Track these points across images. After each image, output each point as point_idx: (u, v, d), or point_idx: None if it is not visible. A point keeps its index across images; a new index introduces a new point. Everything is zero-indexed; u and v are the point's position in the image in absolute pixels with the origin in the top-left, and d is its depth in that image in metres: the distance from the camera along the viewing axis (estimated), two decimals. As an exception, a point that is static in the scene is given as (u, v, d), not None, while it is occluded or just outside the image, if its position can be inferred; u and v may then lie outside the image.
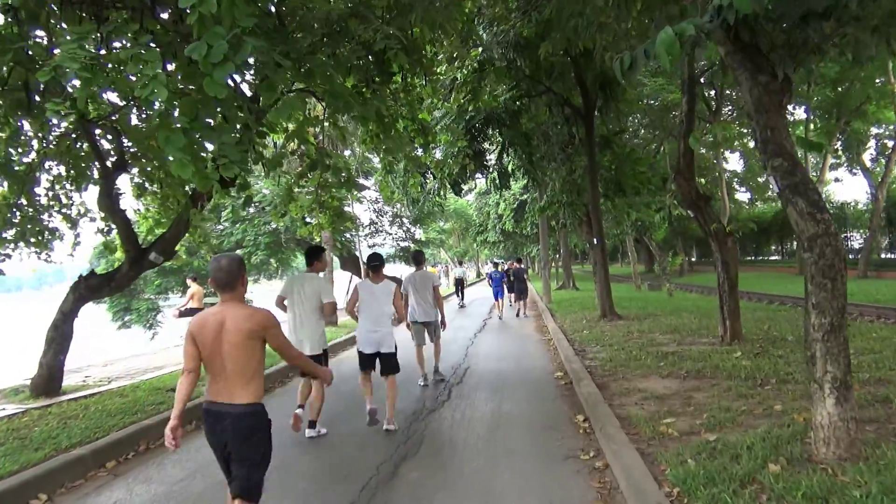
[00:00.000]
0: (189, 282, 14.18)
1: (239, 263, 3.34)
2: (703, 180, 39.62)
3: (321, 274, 6.47)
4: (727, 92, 22.68)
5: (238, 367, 3.16)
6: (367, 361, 6.34)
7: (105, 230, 8.91)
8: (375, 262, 6.49)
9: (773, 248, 51.87)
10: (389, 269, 32.60)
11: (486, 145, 12.29)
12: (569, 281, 30.06)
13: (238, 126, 5.81)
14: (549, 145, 16.37)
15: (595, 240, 14.47)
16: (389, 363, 6.29)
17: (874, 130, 35.07)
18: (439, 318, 8.61)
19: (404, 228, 31.06)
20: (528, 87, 12.90)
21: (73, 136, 7.54)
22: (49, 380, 7.81)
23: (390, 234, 30.78)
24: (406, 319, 8.30)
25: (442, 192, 14.31)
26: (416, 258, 8.73)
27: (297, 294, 6.03)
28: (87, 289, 7.68)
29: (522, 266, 20.30)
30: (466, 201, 51.87)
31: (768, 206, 50.35)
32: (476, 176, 14.28)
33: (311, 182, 9.21)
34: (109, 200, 7.43)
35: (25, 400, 7.76)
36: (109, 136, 7.82)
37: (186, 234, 10.55)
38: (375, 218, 30.38)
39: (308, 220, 10.52)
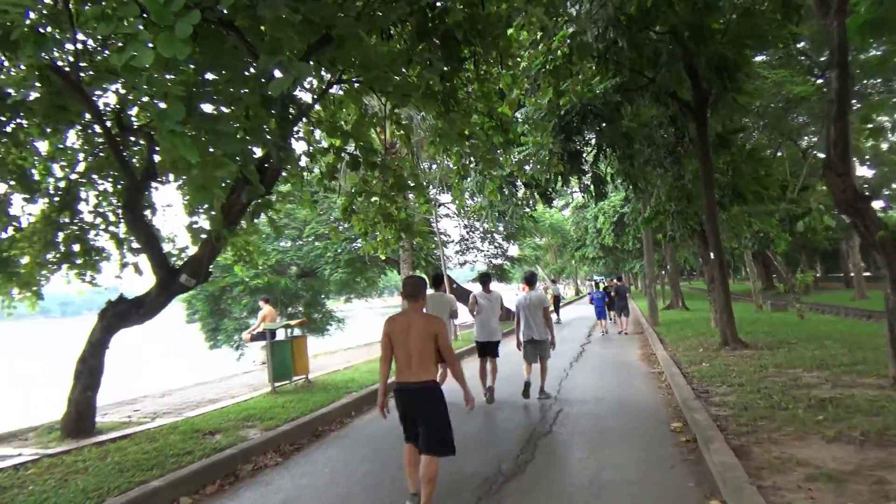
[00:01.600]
0: (261, 303, 13.38)
1: (423, 282, 4.85)
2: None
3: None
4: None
5: (421, 356, 4.46)
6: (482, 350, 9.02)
7: (134, 249, 8.07)
8: (487, 279, 9.38)
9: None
10: (476, 287, 31.21)
11: (581, 146, 10.60)
12: (677, 300, 27.35)
13: (255, 117, 4.59)
14: (653, 148, 14.41)
15: (711, 254, 12.35)
16: (495, 350, 8.91)
17: None
18: (549, 339, 8.88)
19: (496, 245, 29.56)
20: (629, 78, 11.10)
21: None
22: (78, 419, 6.92)
23: (482, 250, 29.37)
24: (518, 338, 9.00)
25: (531, 202, 12.74)
26: (529, 280, 9.12)
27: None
28: (115, 316, 6.74)
29: (623, 284, 20.89)
30: (563, 216, 49.78)
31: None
32: (570, 184, 12.55)
33: (374, 189, 7.95)
34: (133, 215, 6.48)
35: (52, 441, 6.91)
36: (143, 142, 6.91)
37: (231, 252, 9.67)
38: (466, 234, 29.11)
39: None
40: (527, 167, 9.17)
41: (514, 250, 33.16)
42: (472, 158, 8.13)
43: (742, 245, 20.07)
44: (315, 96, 6.70)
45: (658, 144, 14.58)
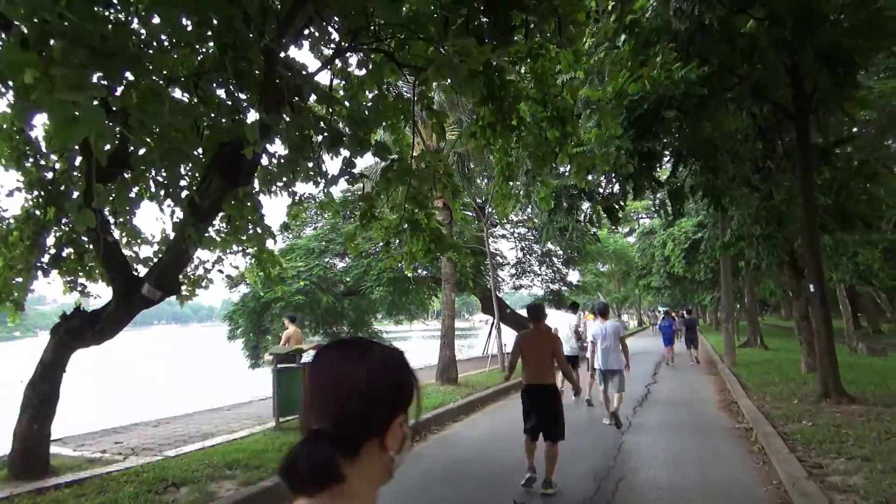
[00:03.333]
0: (286, 322, 12.10)
1: (544, 307, 6.40)
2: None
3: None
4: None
5: (544, 364, 5.95)
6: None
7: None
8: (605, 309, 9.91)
9: None
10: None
11: (655, 147, 8.80)
12: (755, 337, 24.65)
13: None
14: (737, 164, 12.46)
15: (812, 286, 10.29)
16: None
17: None
18: (624, 368, 9.18)
19: (554, 269, 27.70)
20: (716, 74, 9.28)
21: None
22: (25, 456, 5.66)
23: (539, 274, 27.56)
24: (592, 367, 9.78)
25: (595, 219, 11.03)
26: (602, 310, 9.85)
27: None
28: (68, 333, 5.48)
29: (693, 317, 22.45)
30: (627, 242, 47.34)
31: None
32: (641, 194, 10.77)
33: (397, 187, 6.49)
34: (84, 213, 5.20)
35: (-6, 483, 5.68)
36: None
37: (255, 262, 8.39)
38: (522, 256, 27.38)
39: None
40: (589, 174, 7.46)
41: (574, 276, 31.24)
42: (519, 157, 6.56)
43: (837, 279, 17.60)
44: (323, 64, 5.33)
45: (743, 159, 12.62)
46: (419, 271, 22.14)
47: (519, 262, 27.30)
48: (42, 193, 7.00)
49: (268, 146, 7.73)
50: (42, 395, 5.56)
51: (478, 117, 6.58)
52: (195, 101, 6.23)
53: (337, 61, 5.84)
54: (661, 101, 7.57)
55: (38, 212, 7.11)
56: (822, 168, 10.79)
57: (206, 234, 6.56)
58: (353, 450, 0.96)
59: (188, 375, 29.34)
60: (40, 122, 7.68)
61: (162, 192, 5.75)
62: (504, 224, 25.35)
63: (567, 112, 6.51)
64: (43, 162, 7.03)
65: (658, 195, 12.74)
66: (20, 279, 6.99)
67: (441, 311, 13.87)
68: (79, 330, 5.42)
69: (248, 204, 6.52)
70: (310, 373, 1.03)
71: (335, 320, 24.22)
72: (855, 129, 16.25)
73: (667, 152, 9.69)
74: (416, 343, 47.07)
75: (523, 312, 31.65)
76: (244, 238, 7.04)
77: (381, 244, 7.82)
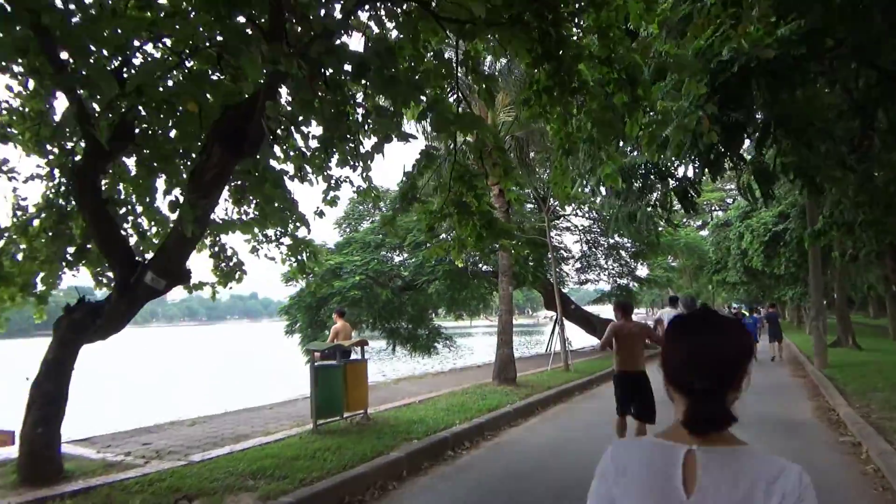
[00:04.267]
0: (335, 317, 11.50)
1: (632, 304, 8.02)
2: None
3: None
4: None
5: (635, 353, 6.60)
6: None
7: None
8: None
9: None
10: (600, 309, 27.78)
11: (743, 118, 7.58)
12: (846, 337, 22.55)
13: None
14: (830, 143, 10.99)
15: (928, 279, 8.86)
16: None
17: None
18: None
19: (622, 262, 26.28)
20: (813, 39, 7.94)
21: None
22: (32, 461, 5.18)
23: (605, 268, 26.22)
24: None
25: (668, 205, 9.88)
26: (689, 305, 10.71)
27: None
28: (70, 327, 4.93)
29: (775, 311, 22.59)
30: (700, 236, 45.00)
31: None
32: (722, 174, 9.52)
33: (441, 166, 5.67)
34: (81, 186, 4.63)
35: (3, 486, 5.23)
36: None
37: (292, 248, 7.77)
38: (588, 250, 26.10)
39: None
40: (664, 147, 6.34)
41: (642, 270, 29.64)
42: (581, 125, 5.60)
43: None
44: (345, 16, 4.56)
45: (837, 139, 11.14)
46: (479, 265, 21.30)
47: (584, 256, 26.04)
48: (63, 180, 6.57)
49: (303, 128, 7.17)
50: (47, 395, 5.05)
51: (532, 81, 5.67)
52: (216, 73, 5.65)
53: (360, 13, 5.05)
54: (750, 66, 6.38)
55: (60, 200, 6.69)
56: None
57: (226, 218, 5.96)
58: (726, 397, 1.30)
59: (243, 371, 29.53)
60: (61, 106, 7.24)
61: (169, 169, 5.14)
62: (566, 213, 24.13)
63: (638, 72, 5.51)
64: (69, 145, 6.59)
65: (741, 178, 11.37)
66: (43, 272, 6.57)
67: (506, 305, 12.99)
68: (81, 324, 4.87)
69: (267, 181, 5.83)
70: (693, 342, 1.34)
71: (393, 316, 23.70)
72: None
73: (750, 129, 8.42)
74: (479, 340, 46.16)
75: (589, 308, 30.42)
76: (263, 221, 6.38)
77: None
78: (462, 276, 19.96)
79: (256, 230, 6.77)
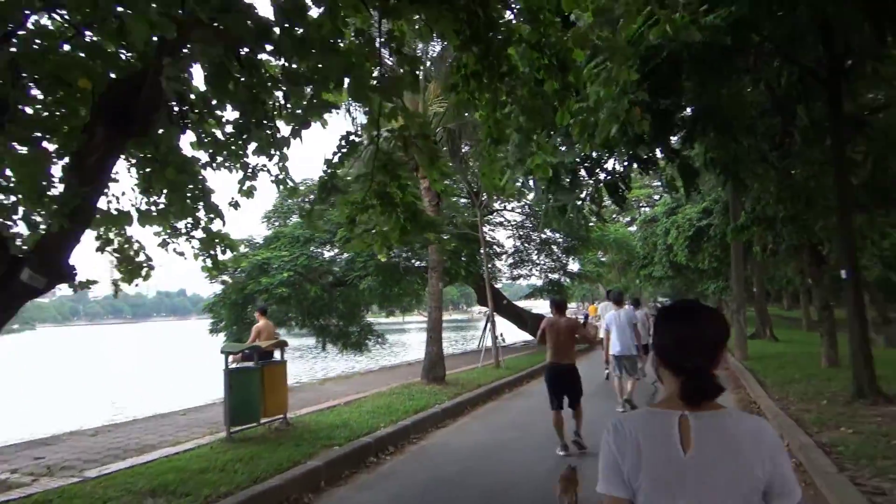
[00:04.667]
0: (257, 316, 10.90)
1: (564, 298, 9.07)
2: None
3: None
4: None
5: (567, 345, 7.08)
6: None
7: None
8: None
9: None
10: (532, 304, 27.91)
11: (672, 107, 7.52)
12: (764, 329, 23.49)
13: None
14: (753, 139, 11.21)
15: (844, 272, 9.11)
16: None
17: None
18: (639, 355, 9.59)
19: (554, 257, 26.48)
20: (739, 31, 7.96)
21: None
22: None
23: (537, 263, 26.35)
24: (607, 353, 9.93)
25: (597, 198, 9.82)
26: (617, 298, 10.43)
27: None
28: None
29: None
30: (629, 231, 46.09)
31: None
32: (653, 166, 9.52)
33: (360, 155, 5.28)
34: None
35: None
36: None
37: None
38: (520, 245, 26.14)
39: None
40: (594, 137, 6.15)
41: (574, 265, 30.01)
42: (510, 112, 5.33)
43: (861, 266, 16.36)
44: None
45: (759, 135, 11.39)
46: (412, 260, 20.94)
47: (517, 251, 26.08)
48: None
49: (217, 112, 6.63)
50: None
51: (459, 65, 5.35)
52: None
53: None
54: (680, 52, 6.30)
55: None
56: (855, 138, 9.58)
57: (120, 209, 5.39)
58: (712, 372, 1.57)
59: (160, 373, 28.05)
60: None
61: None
62: (499, 209, 24.07)
63: (569, 58, 5.28)
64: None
65: (666, 172, 11.46)
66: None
67: (435, 302, 12.67)
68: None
69: (170, 166, 5.29)
70: (683, 328, 1.60)
71: (324, 313, 23.03)
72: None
73: (679, 117, 8.41)
74: (414, 336, 45.63)
75: (522, 304, 30.57)
76: (172, 211, 5.83)
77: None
78: (394, 272, 19.55)
79: (163, 223, 6.16)
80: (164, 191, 6.38)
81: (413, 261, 20.94)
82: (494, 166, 5.61)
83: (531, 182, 9.70)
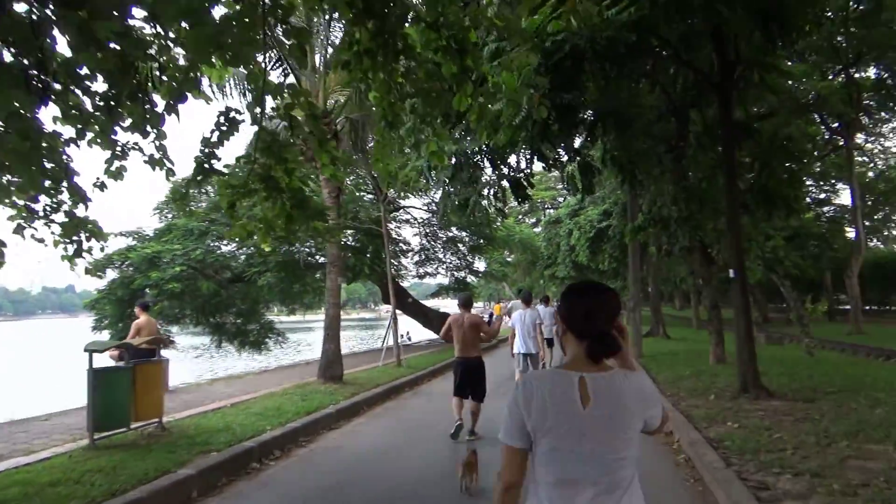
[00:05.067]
0: (138, 311, 10.05)
1: (471, 295, 8.80)
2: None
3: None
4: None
5: (472, 340, 7.40)
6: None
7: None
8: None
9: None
10: (439, 303, 27.77)
11: (574, 101, 7.49)
12: (658, 327, 24.51)
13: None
14: (650, 141, 11.52)
15: (732, 272, 9.45)
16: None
17: None
18: (538, 353, 10.07)
19: (460, 255, 26.46)
20: (638, 34, 8.05)
21: None
22: None
23: (444, 262, 26.24)
24: (512, 350, 10.26)
25: (499, 195, 9.71)
26: (525, 297, 10.92)
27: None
28: None
29: None
30: (534, 232, 47.08)
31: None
32: (557, 162, 9.50)
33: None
34: None
35: None
36: None
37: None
38: (427, 243, 25.92)
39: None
40: (493, 127, 5.98)
41: (480, 264, 30.13)
42: (406, 94, 5.01)
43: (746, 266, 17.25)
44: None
45: (656, 138, 11.72)
46: (315, 256, 20.21)
47: (423, 249, 25.83)
48: None
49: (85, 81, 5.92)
50: None
51: (352, 41, 4.97)
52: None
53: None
54: (583, 48, 6.22)
55: None
56: (744, 144, 9.96)
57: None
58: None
59: (31, 375, 25.68)
60: None
61: None
62: (403, 202, 23.72)
63: (467, 41, 5.02)
64: None
65: (567, 169, 11.55)
66: None
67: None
68: None
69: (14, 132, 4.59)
70: (589, 305, 1.88)
71: (220, 310, 21.86)
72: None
73: (582, 113, 8.42)
74: (319, 335, 44.42)
75: (429, 302, 30.40)
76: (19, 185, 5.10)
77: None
78: (296, 268, 18.79)
79: (5, 197, 5.38)
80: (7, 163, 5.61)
81: (317, 257, 20.25)
82: (387, 150, 5.27)
83: (432, 174, 9.46)
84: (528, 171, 9.38)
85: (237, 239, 6.20)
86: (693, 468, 5.85)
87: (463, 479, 5.17)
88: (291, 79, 10.33)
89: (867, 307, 38.76)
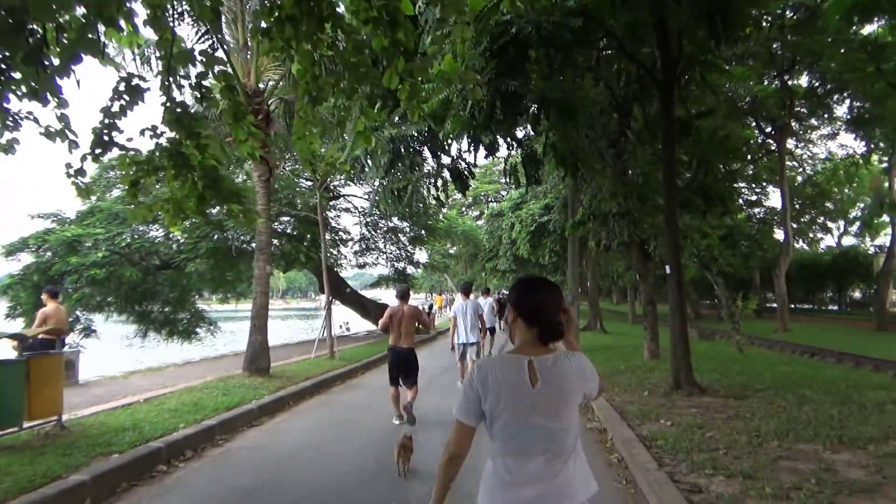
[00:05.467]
0: (46, 298, 9.23)
1: (409, 287, 10.55)
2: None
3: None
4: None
5: (408, 331, 7.71)
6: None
7: None
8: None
9: (829, 295, 46.40)
10: (380, 293, 27.23)
11: (519, 90, 7.23)
12: (595, 321, 24.78)
13: None
14: (593, 137, 11.42)
15: (668, 268, 9.43)
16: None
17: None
18: (480, 341, 10.57)
19: (400, 246, 26.03)
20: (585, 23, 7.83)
21: None
22: None
23: (384, 252, 25.75)
24: (452, 341, 10.51)
25: (440, 184, 9.39)
26: (465, 289, 11.04)
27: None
28: None
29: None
30: (477, 225, 47.09)
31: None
32: (497, 148, 9.24)
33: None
34: None
35: None
36: None
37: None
38: (367, 233, 25.35)
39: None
40: (433, 118, 5.64)
41: (421, 255, 29.81)
42: (331, 67, 4.61)
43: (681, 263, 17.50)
44: None
45: (598, 133, 11.64)
46: (249, 243, 19.41)
47: (363, 239, 25.25)
48: None
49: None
50: None
51: (273, 6, 4.52)
52: None
53: None
54: (529, 32, 5.94)
55: None
56: (684, 141, 9.95)
57: None
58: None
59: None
60: None
61: None
62: (343, 189, 23.13)
63: (399, 14, 4.64)
64: None
65: (510, 160, 11.35)
66: None
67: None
68: None
69: None
70: (538, 297, 2.12)
71: (146, 298, 20.77)
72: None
73: (527, 101, 8.16)
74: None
75: (368, 293, 29.88)
76: None
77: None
78: (227, 255, 17.97)
79: None
80: None
81: (251, 244, 19.46)
82: (307, 126, 4.84)
83: (369, 161, 9.04)
84: (473, 162, 9.09)
85: (140, 221, 5.64)
86: (626, 468, 5.69)
87: (399, 461, 5.38)
88: (221, 54, 9.68)
89: (793, 305, 40.53)
